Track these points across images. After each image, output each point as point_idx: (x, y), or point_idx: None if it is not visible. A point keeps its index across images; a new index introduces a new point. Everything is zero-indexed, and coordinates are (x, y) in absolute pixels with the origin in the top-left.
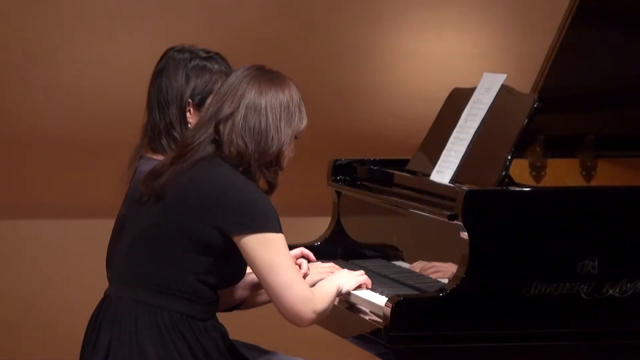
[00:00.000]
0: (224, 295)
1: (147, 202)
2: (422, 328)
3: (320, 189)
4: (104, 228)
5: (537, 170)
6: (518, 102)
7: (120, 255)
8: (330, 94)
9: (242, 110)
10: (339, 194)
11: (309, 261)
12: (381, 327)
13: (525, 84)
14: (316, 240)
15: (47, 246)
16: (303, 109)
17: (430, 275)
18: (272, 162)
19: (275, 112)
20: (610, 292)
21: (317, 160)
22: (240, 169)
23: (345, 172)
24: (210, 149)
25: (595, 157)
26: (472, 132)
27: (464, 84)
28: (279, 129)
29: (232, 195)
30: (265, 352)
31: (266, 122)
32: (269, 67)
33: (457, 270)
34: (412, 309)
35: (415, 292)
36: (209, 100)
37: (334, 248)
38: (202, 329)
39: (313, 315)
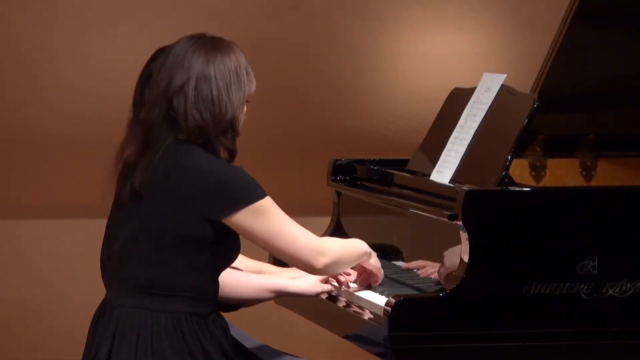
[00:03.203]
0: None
1: (127, 203)
2: (422, 328)
3: (320, 189)
4: (104, 228)
5: (537, 170)
6: (518, 102)
7: (114, 261)
8: (330, 94)
9: (192, 82)
10: (339, 194)
11: None
12: (381, 327)
13: (525, 84)
14: None
15: (46, 246)
16: (250, 71)
17: (430, 276)
18: (228, 129)
19: (225, 79)
20: (610, 292)
21: (317, 160)
22: (200, 141)
23: (345, 172)
24: (168, 128)
25: (595, 157)
26: (472, 132)
27: (464, 84)
28: (230, 95)
29: (208, 181)
30: (269, 351)
31: (217, 89)
32: (210, 34)
33: (457, 270)
34: (412, 309)
35: (415, 292)
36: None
37: None
38: (203, 326)
39: (324, 260)
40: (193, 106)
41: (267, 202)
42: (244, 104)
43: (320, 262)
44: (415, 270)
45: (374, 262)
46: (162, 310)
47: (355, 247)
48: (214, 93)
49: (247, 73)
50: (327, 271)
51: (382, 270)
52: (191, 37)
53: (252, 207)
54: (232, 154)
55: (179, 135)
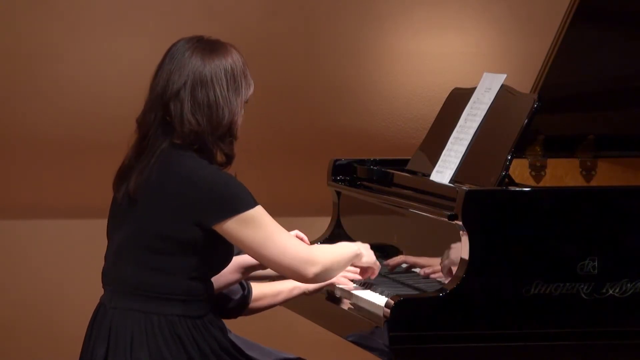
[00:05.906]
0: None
1: (121, 205)
2: (422, 328)
3: (320, 189)
4: (104, 228)
5: (537, 170)
6: (518, 102)
7: (109, 263)
8: (330, 94)
9: (188, 86)
10: (339, 194)
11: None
12: (381, 327)
13: (525, 84)
14: (316, 240)
15: (47, 246)
16: (248, 74)
17: (430, 276)
18: (226, 134)
19: (222, 83)
20: (610, 292)
21: (317, 160)
22: (196, 146)
23: (345, 172)
24: (164, 133)
25: (595, 157)
26: (472, 132)
27: (464, 84)
28: (228, 100)
29: (200, 187)
30: (265, 350)
31: (214, 95)
32: (207, 36)
33: (457, 270)
34: (412, 309)
35: (415, 292)
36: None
37: None
38: (199, 327)
39: (315, 269)
40: (189, 111)
41: (258, 212)
42: (242, 108)
43: (311, 271)
44: (415, 270)
45: (366, 259)
46: (154, 312)
47: (344, 252)
48: (211, 98)
49: (245, 76)
50: (318, 280)
51: (377, 263)
52: (189, 39)
53: (241, 216)
54: (229, 158)
55: (174, 140)
